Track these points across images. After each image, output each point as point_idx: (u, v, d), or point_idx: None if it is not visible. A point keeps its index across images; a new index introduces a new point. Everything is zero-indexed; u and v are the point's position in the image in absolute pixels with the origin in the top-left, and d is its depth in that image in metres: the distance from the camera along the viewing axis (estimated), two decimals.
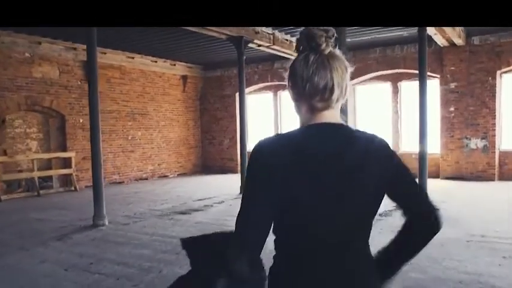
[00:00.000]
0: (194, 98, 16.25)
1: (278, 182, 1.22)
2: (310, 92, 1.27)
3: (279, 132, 1.34)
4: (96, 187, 7.18)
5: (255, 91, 15.49)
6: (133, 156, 13.83)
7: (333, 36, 1.27)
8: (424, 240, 1.37)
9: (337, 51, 1.30)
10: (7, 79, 10.69)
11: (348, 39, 11.71)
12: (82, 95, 12.29)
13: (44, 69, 11.41)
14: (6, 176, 10.77)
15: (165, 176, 14.88)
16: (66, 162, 11.97)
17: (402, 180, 1.35)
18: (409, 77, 12.72)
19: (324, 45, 1.25)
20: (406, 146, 13.14)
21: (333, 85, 1.25)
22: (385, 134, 13.59)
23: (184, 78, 15.62)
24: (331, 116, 1.30)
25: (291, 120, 14.76)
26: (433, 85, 12.39)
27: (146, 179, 14.19)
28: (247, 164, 1.31)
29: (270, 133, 11.33)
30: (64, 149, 11.99)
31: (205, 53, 13.58)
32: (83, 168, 12.35)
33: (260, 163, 1.25)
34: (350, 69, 1.32)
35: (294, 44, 1.36)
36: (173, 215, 7.82)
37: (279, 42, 11.22)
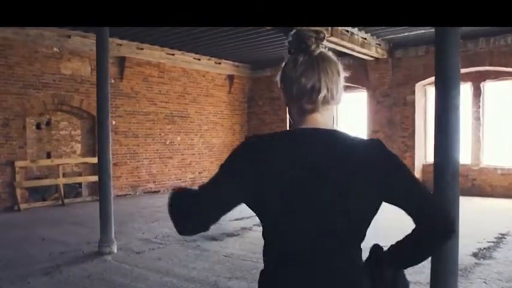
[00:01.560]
0: (241, 100, 14.76)
1: (249, 182, 1.22)
2: (298, 93, 1.25)
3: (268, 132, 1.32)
4: (103, 205, 5.76)
5: None
6: (171, 163, 12.51)
7: (324, 38, 1.26)
8: (434, 246, 1.30)
9: (329, 53, 1.27)
10: (32, 75, 9.66)
11: (422, 31, 9.78)
12: (116, 95, 11.13)
13: (73, 65, 10.32)
14: (28, 183, 9.72)
15: None
16: (96, 169, 10.81)
17: (402, 186, 1.24)
18: (495, 76, 10.53)
19: (313, 46, 1.24)
20: (489, 158, 10.94)
21: (320, 86, 1.23)
22: (463, 144, 11.43)
23: (230, 78, 14.18)
24: (321, 119, 1.27)
25: (348, 124, 12.98)
26: None
27: None
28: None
29: None
30: (94, 153, 10.83)
31: (253, 50, 12.08)
32: (114, 175, 11.12)
33: (237, 158, 1.27)
34: (344, 74, 1.29)
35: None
36: (201, 241, 6.27)
37: (338, 34, 9.47)
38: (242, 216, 8.15)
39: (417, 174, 11.42)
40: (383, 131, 11.84)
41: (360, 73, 12.16)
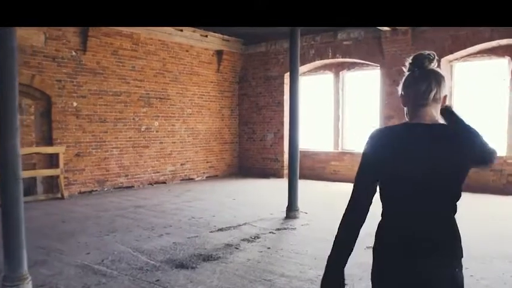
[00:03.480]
0: (231, 80, 12.77)
1: (381, 161, 1.74)
2: (415, 93, 1.77)
3: (386, 126, 1.93)
4: (8, 222, 3.80)
5: (309, 71, 11.81)
6: (148, 153, 10.57)
7: (434, 58, 1.79)
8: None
9: (437, 69, 1.81)
10: None
11: None
12: (77, 71, 9.17)
13: (22, 32, 8.22)
14: None
15: (190, 179, 11.55)
16: (53, 160, 8.89)
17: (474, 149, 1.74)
18: None
19: (426, 63, 1.78)
20: None
21: (431, 88, 1.75)
22: (494, 134, 9.51)
23: (219, 54, 12.17)
24: (430, 112, 1.76)
25: (354, 109, 11.09)
26: None
27: (164, 182, 10.92)
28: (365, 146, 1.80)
29: (327, 126, 11.32)
30: (50, 142, 8.88)
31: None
32: (76, 168, 9.21)
33: (370, 147, 1.78)
34: (447, 82, 1.81)
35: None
36: (163, 271, 4.36)
37: None
38: (228, 225, 6.27)
39: None
40: (398, 116, 9.92)
41: (373, 47, 10.23)
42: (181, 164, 11.39)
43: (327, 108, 11.56)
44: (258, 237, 5.62)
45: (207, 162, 12.09)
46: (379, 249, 1.77)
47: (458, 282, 1.70)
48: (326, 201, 8.50)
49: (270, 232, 5.90)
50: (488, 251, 4.94)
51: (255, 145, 12.63)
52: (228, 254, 4.89)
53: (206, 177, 12.02)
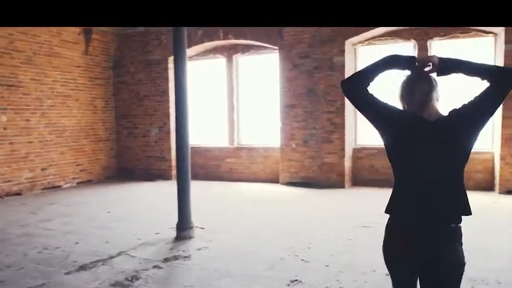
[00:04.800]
0: (104, 64, 10.65)
1: (389, 121, 2.03)
2: (419, 94, 1.94)
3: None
4: None
5: (197, 55, 10.21)
6: None
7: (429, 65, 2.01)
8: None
9: (430, 75, 2.02)
10: None
11: None
12: None
13: None
14: None
15: (56, 187, 9.31)
16: None
17: (473, 106, 1.93)
18: (450, 31, 8.12)
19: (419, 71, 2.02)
20: None
21: (432, 89, 1.96)
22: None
23: (86, 32, 9.98)
24: (431, 108, 1.95)
25: (251, 98, 9.85)
26: (487, 42, 8.08)
27: (19, 193, 8.56)
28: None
29: (221, 118, 9.95)
30: None
31: None
32: None
33: (390, 105, 2.04)
34: (439, 85, 2.00)
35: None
36: None
37: None
38: (95, 259, 4.50)
39: (347, 162, 8.69)
40: (301, 105, 8.85)
41: (271, 27, 8.97)
42: (43, 169, 9.09)
43: (220, 98, 10.12)
44: (137, 278, 3.95)
45: (77, 165, 9.90)
46: (389, 224, 2.02)
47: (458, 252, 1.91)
48: (224, 207, 7.09)
49: (155, 266, 4.26)
50: None
51: (137, 142, 10.72)
52: None
53: (77, 183, 9.84)
